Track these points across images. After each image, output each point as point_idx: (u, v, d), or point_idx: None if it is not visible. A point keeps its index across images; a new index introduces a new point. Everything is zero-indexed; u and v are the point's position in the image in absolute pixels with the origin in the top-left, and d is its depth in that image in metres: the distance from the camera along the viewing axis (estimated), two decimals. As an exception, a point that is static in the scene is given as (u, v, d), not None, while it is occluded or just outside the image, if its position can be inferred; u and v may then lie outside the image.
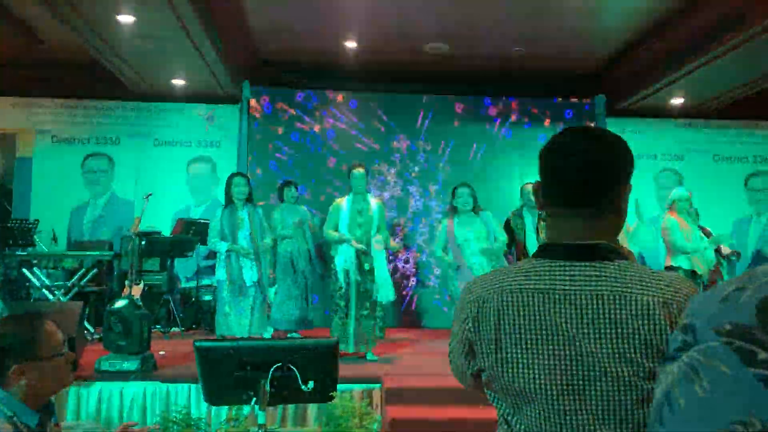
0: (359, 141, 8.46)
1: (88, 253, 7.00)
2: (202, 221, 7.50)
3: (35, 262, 6.71)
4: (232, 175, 5.80)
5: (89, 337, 6.08)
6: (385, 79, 8.50)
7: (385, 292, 5.50)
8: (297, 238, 6.59)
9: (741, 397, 0.38)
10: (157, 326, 6.78)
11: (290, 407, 4.41)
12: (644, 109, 8.50)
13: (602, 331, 1.06)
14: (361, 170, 5.64)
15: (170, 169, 8.42)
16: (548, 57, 7.90)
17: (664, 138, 8.87)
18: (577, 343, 1.07)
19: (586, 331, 1.06)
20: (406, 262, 8.32)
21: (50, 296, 6.53)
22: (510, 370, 1.11)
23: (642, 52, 7.51)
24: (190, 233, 7.29)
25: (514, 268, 1.18)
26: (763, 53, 6.37)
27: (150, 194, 5.93)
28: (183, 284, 7.85)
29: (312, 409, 4.40)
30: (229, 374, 2.80)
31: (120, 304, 4.72)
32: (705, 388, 0.41)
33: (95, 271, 6.78)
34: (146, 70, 7.47)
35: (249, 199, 5.71)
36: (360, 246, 5.49)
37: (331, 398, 2.95)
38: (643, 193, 8.54)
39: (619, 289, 1.08)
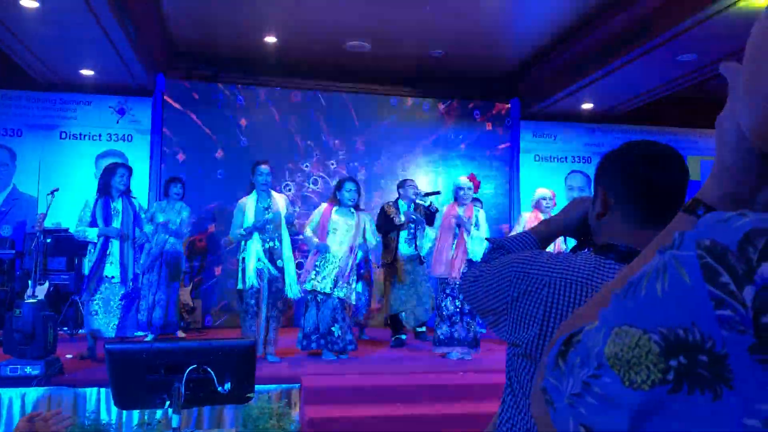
0: (277, 136, 8.36)
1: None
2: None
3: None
4: (116, 165, 5.57)
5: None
6: (305, 75, 8.45)
7: (294, 288, 5.53)
8: (171, 238, 6.53)
9: (691, 307, 0.41)
10: (64, 328, 6.46)
11: (206, 409, 4.31)
12: (555, 112, 8.83)
13: None
14: (265, 167, 5.64)
15: (78, 164, 8.03)
16: (466, 60, 8.07)
17: (573, 141, 9.24)
18: None
19: None
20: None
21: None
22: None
23: (554, 58, 7.80)
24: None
25: (576, 257, 1.17)
26: (666, 62, 6.75)
27: (56, 189, 5.64)
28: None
29: (228, 410, 4.32)
30: (142, 377, 2.71)
31: (22, 305, 4.47)
32: (664, 289, 0.43)
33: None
34: (52, 59, 7.09)
35: (126, 192, 5.54)
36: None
37: (248, 399, 2.91)
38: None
39: None
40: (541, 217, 6.21)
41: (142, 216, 5.59)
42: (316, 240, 5.60)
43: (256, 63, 8.12)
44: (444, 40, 7.46)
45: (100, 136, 8.15)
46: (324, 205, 5.81)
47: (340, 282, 5.53)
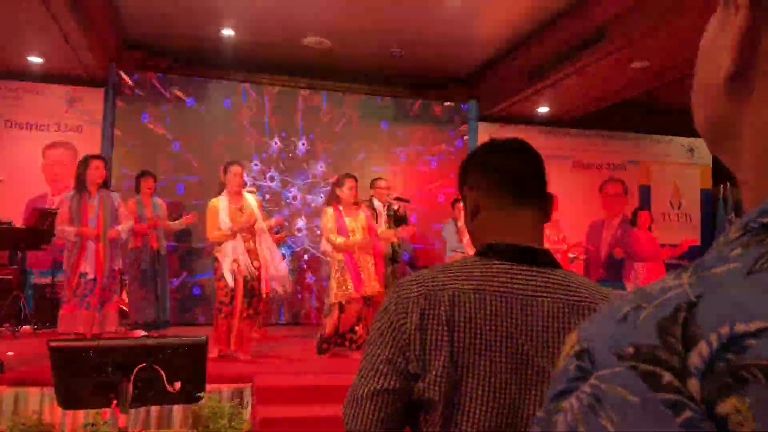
0: (232, 130, 8.23)
1: None
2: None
3: None
4: (90, 158, 5.40)
5: None
6: (263, 70, 8.34)
7: (279, 283, 5.50)
8: (148, 235, 6.34)
9: (652, 428, 0.35)
10: (5, 325, 6.22)
11: (155, 409, 4.21)
12: (512, 115, 8.93)
13: (549, 340, 1.05)
14: (238, 168, 5.52)
15: (24, 154, 7.74)
16: (425, 60, 8.10)
17: (529, 143, 9.34)
18: (524, 351, 1.04)
19: (534, 340, 1.05)
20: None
21: None
22: (461, 372, 1.04)
23: (512, 61, 7.89)
24: (46, 224, 6.74)
25: (462, 265, 1.12)
26: (619, 68, 6.90)
27: (1, 179, 5.43)
28: (36, 279, 7.26)
29: (178, 410, 4.23)
30: (88, 376, 2.62)
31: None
32: (613, 420, 0.36)
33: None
34: (-2, 45, 6.83)
35: (104, 185, 5.38)
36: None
37: (199, 399, 2.85)
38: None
39: (568, 297, 1.09)
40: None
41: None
42: (346, 240, 5.49)
43: (212, 56, 7.97)
44: (404, 39, 7.46)
45: (48, 126, 7.88)
46: (330, 210, 5.62)
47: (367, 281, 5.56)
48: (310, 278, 8.21)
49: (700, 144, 9.96)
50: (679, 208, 9.90)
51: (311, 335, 6.98)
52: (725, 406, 0.33)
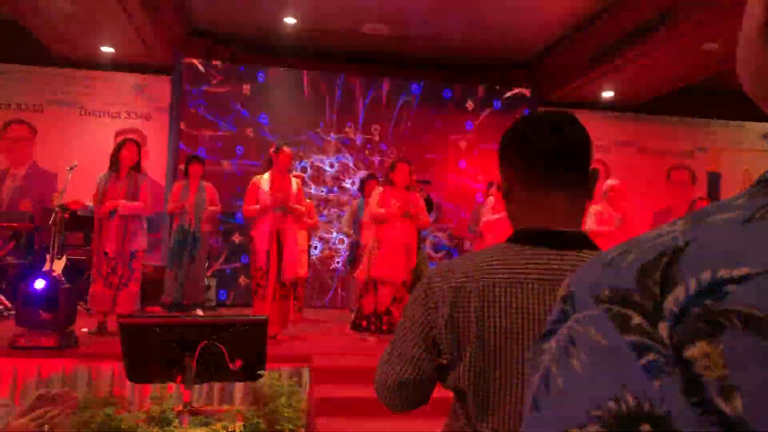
0: (293, 118, 8.36)
1: (5, 224, 6.67)
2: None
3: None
4: (125, 141, 5.56)
5: (6, 313, 5.82)
6: (323, 57, 8.42)
7: (298, 268, 5.58)
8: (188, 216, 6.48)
9: (615, 369, 0.34)
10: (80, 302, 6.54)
11: (217, 385, 4.36)
12: (574, 100, 8.74)
13: None
14: (287, 149, 5.62)
15: (97, 140, 8.09)
16: (484, 45, 8.00)
17: (592, 129, 9.04)
18: None
19: None
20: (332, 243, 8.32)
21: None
22: (492, 364, 1.04)
23: (574, 44, 7.71)
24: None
25: (492, 254, 1.10)
26: (687, 51, 6.65)
27: (75, 165, 5.69)
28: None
29: (239, 387, 4.37)
30: (155, 352, 2.75)
31: (41, 278, 4.53)
32: (582, 361, 0.36)
33: (14, 243, 6.47)
34: (72, 35, 7.13)
35: (136, 168, 5.53)
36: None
37: (259, 376, 2.95)
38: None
39: None
40: (609, 208, 6.40)
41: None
42: (381, 210, 5.54)
43: (274, 44, 8.10)
44: (463, 24, 7.39)
45: (119, 113, 8.20)
46: (380, 189, 5.76)
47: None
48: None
49: (775, 129, 9.51)
50: (750, 196, 9.49)
51: (345, 318, 7.05)
52: (693, 350, 0.33)
